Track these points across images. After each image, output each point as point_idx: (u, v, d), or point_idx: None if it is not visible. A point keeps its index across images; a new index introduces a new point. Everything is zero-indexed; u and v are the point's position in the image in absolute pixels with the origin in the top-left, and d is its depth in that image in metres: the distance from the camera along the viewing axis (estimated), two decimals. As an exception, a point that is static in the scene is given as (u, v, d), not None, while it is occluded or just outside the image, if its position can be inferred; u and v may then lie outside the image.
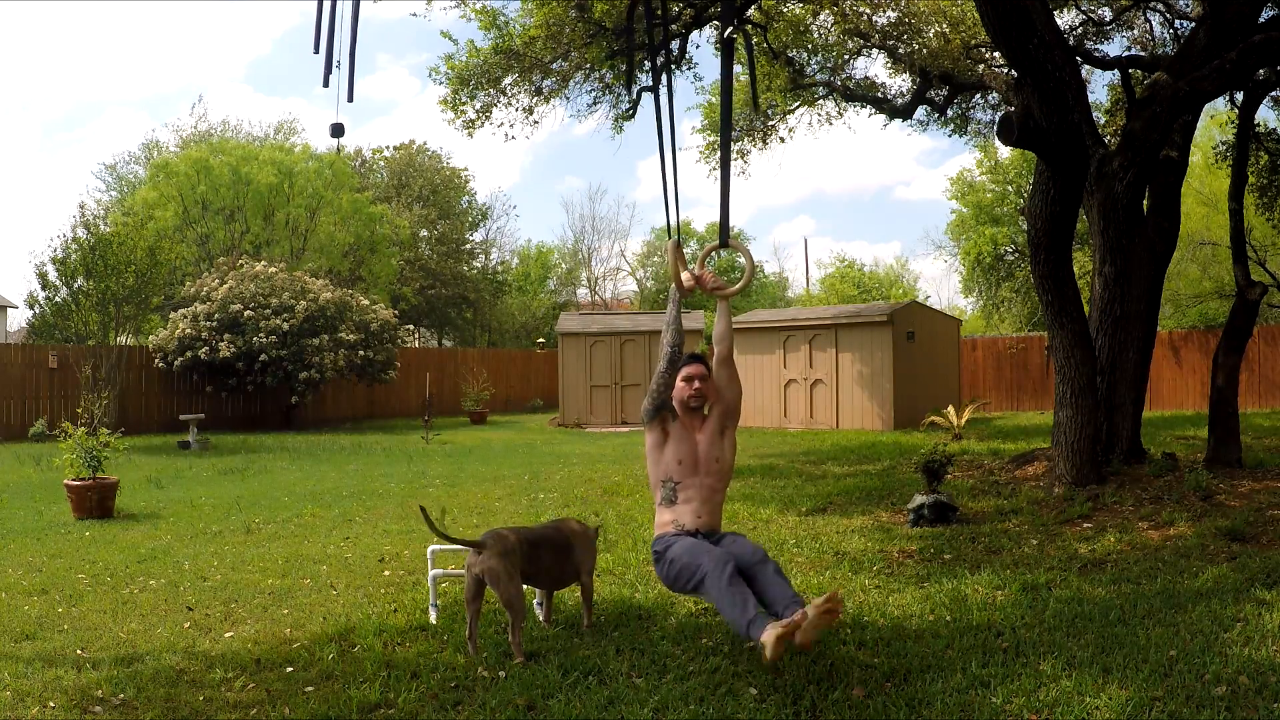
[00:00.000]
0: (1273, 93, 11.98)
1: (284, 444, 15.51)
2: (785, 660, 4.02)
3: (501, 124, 12.75)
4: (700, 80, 34.18)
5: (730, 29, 4.35)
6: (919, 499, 7.10)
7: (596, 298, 40.71)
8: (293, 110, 62.50)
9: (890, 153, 67.89)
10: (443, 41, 25.48)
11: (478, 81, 12.25)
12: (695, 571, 3.82)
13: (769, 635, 3.35)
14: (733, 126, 15.51)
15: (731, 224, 4.54)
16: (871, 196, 70.77)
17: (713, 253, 4.83)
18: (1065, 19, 12.48)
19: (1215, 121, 20.53)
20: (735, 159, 15.94)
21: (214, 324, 18.00)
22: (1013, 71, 9.00)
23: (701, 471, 4.22)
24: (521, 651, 4.11)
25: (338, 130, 5.02)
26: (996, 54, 11.91)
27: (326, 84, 4.63)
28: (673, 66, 12.76)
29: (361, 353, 19.38)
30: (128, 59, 60.80)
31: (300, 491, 9.69)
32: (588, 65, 12.23)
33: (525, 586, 4.36)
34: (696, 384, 4.25)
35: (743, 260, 4.74)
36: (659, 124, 4.11)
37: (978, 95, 14.66)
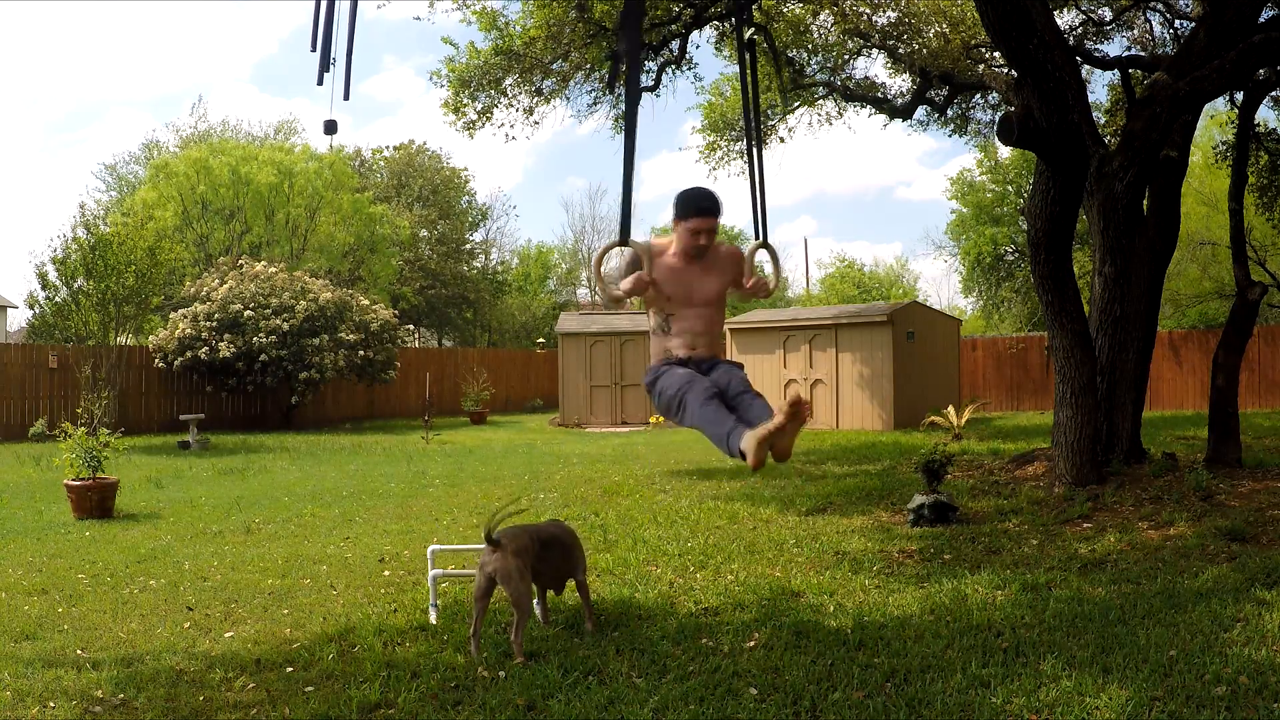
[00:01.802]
0: (1273, 93, 11.98)
1: (284, 444, 15.51)
2: (785, 660, 4.02)
3: (502, 125, 12.76)
4: (700, 80, 34.20)
5: (752, 31, 4.23)
6: (919, 499, 7.10)
7: (596, 298, 40.70)
8: (298, 110, 62.50)
9: (892, 153, 67.87)
10: (442, 42, 25.55)
11: (479, 83, 12.25)
12: (680, 401, 3.79)
13: (748, 442, 3.42)
14: (733, 126, 15.52)
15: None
16: (873, 197, 70.77)
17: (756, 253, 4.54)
18: (1065, 19, 12.47)
19: (1215, 121, 20.53)
20: (735, 159, 15.93)
21: (214, 324, 18.00)
22: (1013, 71, 9.01)
23: (698, 302, 4.00)
24: (522, 651, 4.11)
25: (331, 127, 5.02)
26: (996, 54, 11.91)
27: (321, 82, 4.61)
28: (672, 66, 12.77)
29: (361, 353, 19.37)
30: (132, 59, 60.79)
31: (300, 491, 9.69)
32: (588, 65, 12.24)
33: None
34: (703, 239, 3.93)
35: (769, 269, 4.45)
36: (629, 128, 3.84)
37: (978, 95, 14.65)
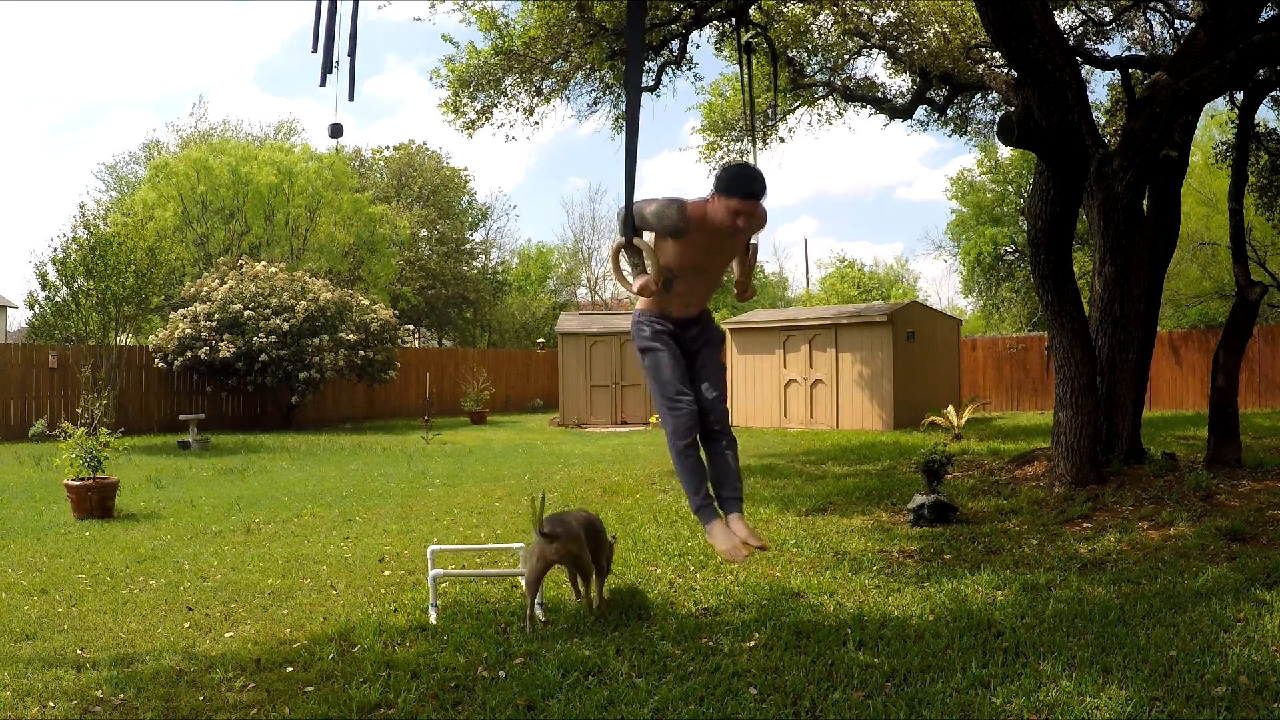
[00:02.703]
0: (1273, 93, 11.98)
1: (284, 444, 15.50)
2: (785, 660, 4.02)
3: (502, 125, 12.75)
4: (700, 80, 34.17)
5: (750, 35, 4.22)
6: (919, 499, 7.10)
7: (596, 298, 40.69)
8: (300, 110, 62.42)
9: (894, 153, 67.81)
10: (444, 43, 25.57)
11: (478, 83, 12.24)
12: (663, 409, 3.88)
13: (709, 538, 3.81)
14: (733, 126, 15.53)
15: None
16: (874, 197, 70.73)
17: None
18: (1065, 19, 12.47)
19: (1215, 121, 20.53)
20: (736, 160, 15.92)
21: (214, 324, 18.00)
22: (1013, 71, 9.01)
23: (707, 271, 3.96)
24: (602, 604, 4.76)
25: (336, 130, 5.02)
26: (996, 54, 11.91)
27: (324, 84, 4.62)
28: (672, 66, 12.76)
29: (361, 353, 19.37)
30: (136, 59, 60.70)
31: (300, 491, 9.69)
32: (588, 65, 12.23)
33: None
34: (741, 223, 3.76)
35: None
36: (630, 122, 3.82)
37: (978, 95, 14.65)
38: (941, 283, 74.38)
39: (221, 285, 18.93)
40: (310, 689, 3.84)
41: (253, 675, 4.01)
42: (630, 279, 3.89)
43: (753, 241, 4.22)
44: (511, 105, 12.61)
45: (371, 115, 64.80)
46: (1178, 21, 12.24)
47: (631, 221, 3.74)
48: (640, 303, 4.02)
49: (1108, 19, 12.78)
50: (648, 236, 3.96)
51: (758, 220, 3.85)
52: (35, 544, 7.05)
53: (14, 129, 58.23)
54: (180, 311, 18.59)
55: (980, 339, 22.82)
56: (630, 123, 3.75)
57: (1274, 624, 4.25)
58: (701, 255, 3.85)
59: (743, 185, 3.72)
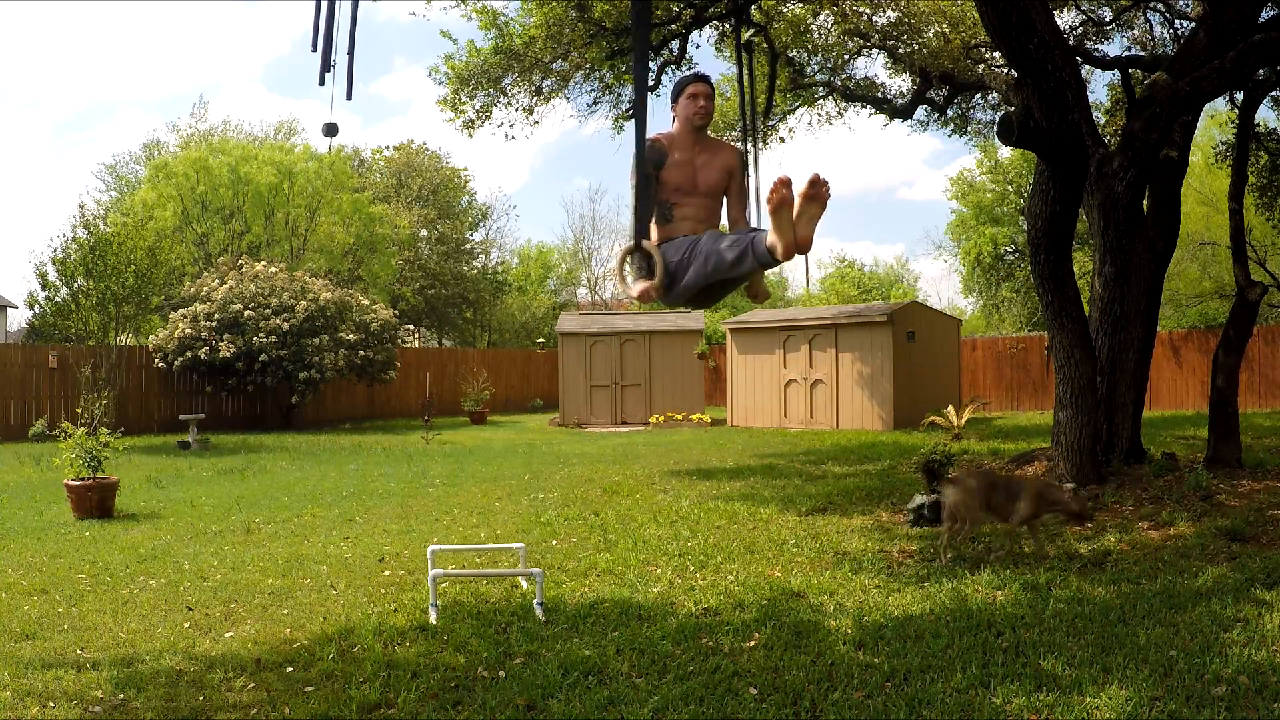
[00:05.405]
0: (1273, 93, 11.97)
1: (284, 444, 15.50)
2: (785, 660, 4.02)
3: (501, 124, 12.74)
4: (700, 80, 34.11)
5: (750, 32, 4.27)
6: (919, 499, 7.10)
7: (596, 298, 40.69)
8: (307, 109, 62.40)
9: (895, 154, 67.77)
10: (449, 42, 25.53)
11: (478, 81, 12.23)
12: (690, 247, 3.79)
13: (772, 236, 3.34)
14: (733, 126, 15.52)
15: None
16: (877, 198, 70.69)
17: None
18: (1065, 19, 12.47)
19: (1215, 121, 20.53)
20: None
21: (214, 324, 18.00)
22: (1013, 71, 9.01)
23: (701, 191, 4.07)
24: (944, 555, 5.78)
25: (331, 130, 5.03)
26: (996, 54, 11.91)
27: (322, 82, 4.63)
28: (672, 66, 12.76)
29: (361, 353, 19.37)
30: (142, 59, 60.72)
31: (300, 491, 9.69)
32: (588, 65, 12.22)
33: None
34: (702, 102, 4.06)
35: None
36: (639, 131, 3.87)
37: (978, 95, 14.64)
38: (941, 283, 74.47)
39: (221, 285, 18.93)
40: (310, 689, 3.84)
41: (253, 675, 4.01)
42: (631, 283, 3.93)
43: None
44: (511, 104, 12.60)
45: (379, 115, 64.88)
46: (1178, 21, 12.24)
47: (639, 225, 3.80)
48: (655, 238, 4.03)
49: (1108, 19, 12.78)
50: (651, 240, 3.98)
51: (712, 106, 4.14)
52: (35, 544, 7.05)
53: (18, 129, 58.30)
54: (180, 311, 18.58)
55: (980, 339, 22.81)
56: (638, 125, 3.79)
57: (1274, 624, 4.25)
58: (689, 173, 4.07)
59: (689, 77, 4.18)
